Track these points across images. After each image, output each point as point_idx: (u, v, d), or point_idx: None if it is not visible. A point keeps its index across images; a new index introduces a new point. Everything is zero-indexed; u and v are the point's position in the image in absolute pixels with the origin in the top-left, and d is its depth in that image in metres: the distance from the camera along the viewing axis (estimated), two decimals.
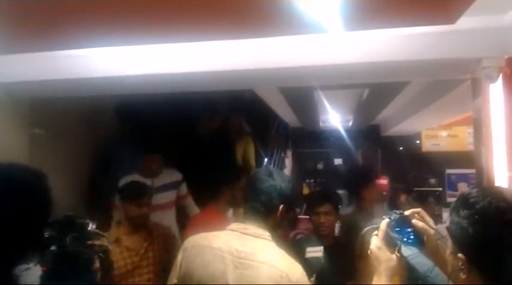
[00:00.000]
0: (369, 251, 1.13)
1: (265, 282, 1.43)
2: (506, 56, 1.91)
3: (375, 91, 4.57)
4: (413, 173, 7.51)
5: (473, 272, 0.96)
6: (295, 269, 1.49)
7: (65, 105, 3.07)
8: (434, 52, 2.01)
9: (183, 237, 2.35)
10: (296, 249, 2.11)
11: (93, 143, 3.51)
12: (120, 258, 2.35)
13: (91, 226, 1.12)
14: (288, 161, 8.08)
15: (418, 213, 1.16)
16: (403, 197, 4.73)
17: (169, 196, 3.19)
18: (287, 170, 7.75)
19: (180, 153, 3.67)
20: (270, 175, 1.64)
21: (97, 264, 1.06)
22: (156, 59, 2.31)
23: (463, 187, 6.48)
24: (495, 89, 1.95)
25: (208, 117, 3.78)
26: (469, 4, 1.63)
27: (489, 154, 1.97)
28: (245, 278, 1.45)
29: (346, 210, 3.27)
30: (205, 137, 3.75)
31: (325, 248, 2.41)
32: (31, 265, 1.00)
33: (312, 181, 8.26)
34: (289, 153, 8.27)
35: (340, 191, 6.09)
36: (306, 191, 8.06)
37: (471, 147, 6.20)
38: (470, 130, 6.42)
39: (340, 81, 2.92)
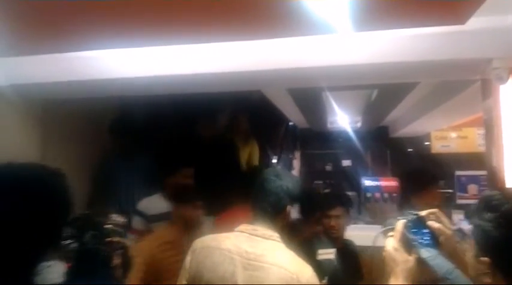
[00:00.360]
0: (384, 252, 1.12)
1: (275, 284, 1.43)
2: None
3: (383, 92, 4.54)
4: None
5: (497, 275, 0.95)
6: (305, 271, 1.49)
7: (77, 107, 3.11)
8: (444, 53, 2.00)
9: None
10: (307, 250, 2.11)
11: (104, 145, 3.54)
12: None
13: (118, 220, 1.14)
14: (296, 163, 8.06)
15: (434, 214, 1.15)
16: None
17: None
18: (295, 172, 7.73)
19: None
20: (278, 175, 1.64)
21: (117, 260, 1.08)
22: (165, 61, 2.33)
23: (473, 189, 6.40)
24: (505, 90, 1.94)
25: (212, 120, 3.70)
26: (479, 4, 1.62)
27: (500, 155, 1.95)
28: (255, 279, 1.45)
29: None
30: (210, 144, 3.61)
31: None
32: (52, 263, 1.03)
33: (320, 182, 8.22)
34: (297, 154, 8.25)
35: (349, 193, 6.06)
36: None
37: (481, 148, 6.15)
38: (481, 131, 6.35)
39: (348, 81, 2.91)
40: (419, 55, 2.03)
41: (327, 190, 5.96)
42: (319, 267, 1.76)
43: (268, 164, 5.06)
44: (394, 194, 6.54)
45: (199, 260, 1.57)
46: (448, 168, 6.82)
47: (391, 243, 1.11)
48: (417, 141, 7.79)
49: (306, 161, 8.48)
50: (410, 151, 8.05)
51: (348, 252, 2.56)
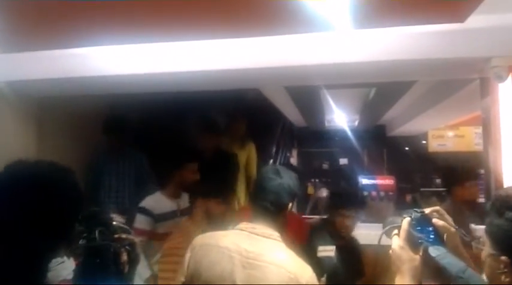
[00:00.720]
0: (390, 251, 1.11)
1: (274, 283, 1.42)
2: None
3: (381, 90, 4.55)
4: (420, 174, 7.49)
5: None
6: (304, 271, 1.48)
7: (73, 103, 3.08)
8: (443, 51, 1.99)
9: None
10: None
11: (100, 142, 3.52)
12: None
13: (118, 220, 1.15)
14: (293, 161, 8.07)
15: (437, 211, 1.14)
16: (408, 197, 4.72)
17: None
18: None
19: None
20: (278, 173, 1.62)
21: (124, 257, 1.09)
22: (161, 58, 2.31)
23: None
24: (504, 88, 1.94)
25: (211, 129, 3.44)
26: (478, 3, 1.61)
27: (498, 154, 1.95)
28: (253, 278, 1.44)
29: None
30: (211, 159, 3.37)
31: (337, 247, 2.40)
32: (65, 259, 1.04)
33: (317, 180, 8.24)
34: (294, 153, 8.26)
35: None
36: (311, 190, 8.04)
37: (478, 147, 6.17)
38: (477, 130, 6.38)
39: (347, 80, 2.90)
40: (418, 53, 2.02)
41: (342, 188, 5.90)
42: (319, 264, 1.74)
43: (265, 162, 5.05)
44: (391, 193, 6.58)
45: (198, 257, 1.56)
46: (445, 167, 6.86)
47: (396, 242, 1.10)
48: (414, 140, 7.82)
49: (303, 160, 8.50)
50: (407, 150, 8.08)
51: (351, 250, 2.54)
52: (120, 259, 1.08)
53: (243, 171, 3.67)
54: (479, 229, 2.25)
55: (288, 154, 7.52)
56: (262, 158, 4.64)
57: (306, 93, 4.58)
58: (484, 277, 1.04)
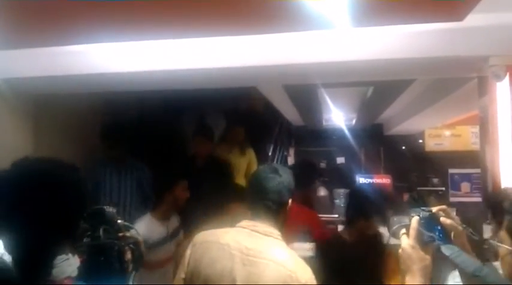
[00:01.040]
0: (400, 250, 1.10)
1: (274, 281, 1.42)
2: None
3: (379, 89, 4.55)
4: (416, 173, 7.50)
5: None
6: (304, 271, 1.48)
7: (69, 101, 3.07)
8: (441, 50, 1.99)
9: None
10: None
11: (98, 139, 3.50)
12: None
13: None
14: (291, 160, 8.07)
15: (443, 210, 1.13)
16: (405, 196, 4.71)
17: (173, 246, 2.63)
18: None
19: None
20: (277, 172, 1.63)
21: (128, 255, 1.09)
22: (158, 56, 2.30)
23: (465, 187, 6.46)
24: (502, 87, 1.94)
25: (206, 135, 3.37)
26: (477, 2, 1.61)
27: (495, 153, 1.96)
28: (253, 276, 1.44)
29: None
30: (204, 167, 3.30)
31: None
32: (69, 256, 1.05)
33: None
34: (291, 152, 8.26)
35: (342, 190, 6.07)
36: None
37: (474, 147, 6.20)
38: (474, 129, 6.40)
39: (345, 78, 2.91)
40: (417, 52, 2.02)
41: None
42: None
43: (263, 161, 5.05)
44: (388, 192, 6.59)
45: (198, 254, 1.56)
46: (442, 166, 6.87)
47: (406, 241, 1.09)
48: (411, 139, 7.83)
49: (300, 158, 8.49)
50: (404, 149, 8.09)
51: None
52: (124, 257, 1.09)
53: (243, 177, 3.62)
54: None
55: (286, 153, 7.52)
56: (260, 158, 4.65)
57: (304, 92, 4.58)
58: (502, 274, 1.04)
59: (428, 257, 1.06)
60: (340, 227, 3.10)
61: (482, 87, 2.09)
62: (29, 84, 2.61)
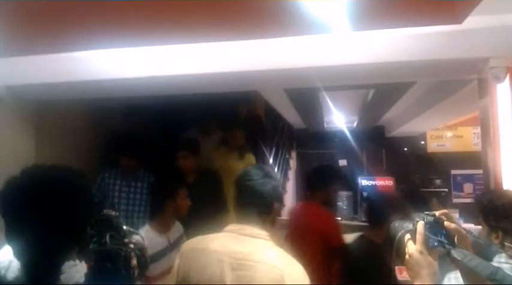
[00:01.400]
0: (407, 256, 1.09)
1: (266, 282, 1.41)
2: None
3: (380, 92, 4.56)
4: (419, 174, 7.49)
5: None
6: (294, 268, 1.47)
7: (71, 107, 3.08)
8: (441, 52, 2.00)
9: None
10: None
11: (99, 146, 3.51)
12: None
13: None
14: (293, 163, 8.07)
15: (445, 214, 1.13)
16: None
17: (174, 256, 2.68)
18: (292, 172, 7.74)
19: None
20: (263, 173, 1.62)
21: (134, 261, 1.10)
22: (161, 61, 2.31)
23: (468, 188, 6.45)
24: (502, 89, 1.94)
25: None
26: (476, 4, 1.61)
27: (496, 154, 1.96)
28: (243, 279, 1.43)
29: None
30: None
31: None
32: (77, 262, 1.06)
33: None
34: (293, 154, 8.27)
35: (345, 193, 6.06)
36: None
37: (476, 148, 6.19)
38: (476, 130, 6.41)
39: (346, 82, 2.91)
40: (417, 55, 2.03)
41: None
42: None
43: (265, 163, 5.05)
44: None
45: (187, 262, 1.54)
46: (444, 167, 6.87)
47: (413, 247, 1.07)
48: (413, 141, 7.83)
49: (302, 161, 8.50)
50: (405, 151, 8.09)
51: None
52: (130, 263, 1.09)
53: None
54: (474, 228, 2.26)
55: (288, 156, 7.52)
56: (261, 162, 4.65)
57: (305, 95, 4.59)
58: None
59: (435, 262, 1.05)
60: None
61: (483, 89, 2.09)
62: (30, 90, 2.62)
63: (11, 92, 2.61)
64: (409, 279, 1.08)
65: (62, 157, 3.04)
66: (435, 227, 1.09)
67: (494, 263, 1.50)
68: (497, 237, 1.67)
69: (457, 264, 1.04)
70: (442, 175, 6.97)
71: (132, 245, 1.13)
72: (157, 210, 2.52)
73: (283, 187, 6.08)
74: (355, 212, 5.37)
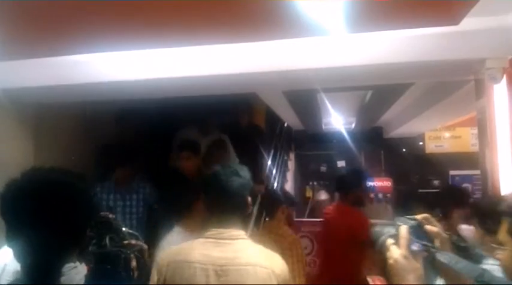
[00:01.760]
0: (391, 261, 1.07)
1: (254, 283, 1.42)
2: (510, 57, 1.91)
3: (377, 93, 4.57)
4: (417, 175, 7.50)
5: None
6: (277, 262, 1.50)
7: (70, 111, 3.08)
8: (438, 53, 2.01)
9: None
10: None
11: (98, 149, 3.50)
12: None
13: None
14: (291, 164, 8.07)
15: (427, 218, 1.13)
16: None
17: None
18: (290, 173, 7.74)
19: None
20: (236, 173, 1.59)
21: (134, 263, 1.10)
22: (159, 64, 2.32)
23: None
24: (499, 90, 1.96)
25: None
26: (473, 5, 1.63)
27: (493, 155, 1.97)
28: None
29: None
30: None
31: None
32: (77, 264, 1.05)
33: (315, 183, 8.24)
34: (292, 156, 8.27)
35: None
36: (309, 193, 8.04)
37: (474, 148, 6.20)
38: (474, 131, 6.41)
39: (344, 83, 2.92)
40: (414, 56, 2.04)
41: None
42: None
43: (263, 166, 5.06)
44: (388, 195, 6.58)
45: (168, 277, 1.47)
46: (442, 168, 6.88)
47: (398, 251, 1.05)
48: (411, 141, 7.84)
49: (300, 163, 8.50)
50: (404, 151, 8.10)
51: None
52: (130, 265, 1.09)
53: None
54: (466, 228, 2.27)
55: (286, 157, 7.52)
56: (261, 162, 4.66)
57: (303, 97, 4.60)
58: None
59: (419, 266, 1.04)
60: None
61: (480, 89, 2.11)
62: (29, 93, 2.62)
63: (9, 95, 2.61)
64: None
65: (61, 159, 3.04)
66: (418, 231, 1.09)
67: (484, 266, 1.51)
68: (485, 239, 1.69)
69: (443, 268, 1.04)
70: (441, 175, 6.98)
71: (131, 247, 1.13)
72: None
73: (282, 189, 6.08)
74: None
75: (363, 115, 6.38)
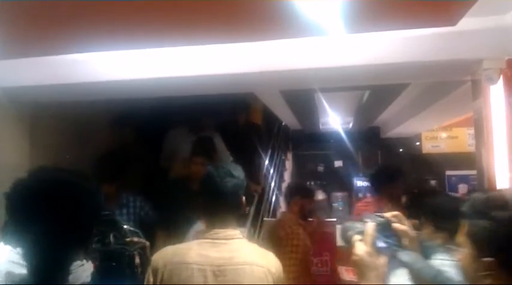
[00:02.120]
0: (354, 257, 1.07)
1: (251, 282, 1.44)
2: (507, 57, 1.92)
3: (375, 93, 4.58)
4: (414, 175, 7.52)
5: (503, 275, 0.94)
6: (271, 261, 1.53)
7: (66, 110, 3.07)
8: (436, 54, 2.02)
9: None
10: None
11: (94, 148, 3.49)
12: None
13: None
14: (289, 164, 8.08)
15: (397, 216, 1.13)
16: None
17: None
18: (288, 173, 7.75)
19: None
20: (230, 174, 1.59)
21: (137, 259, 1.12)
22: (157, 63, 2.31)
23: (463, 189, 6.49)
24: (496, 90, 1.96)
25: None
26: (470, 6, 1.63)
27: (490, 155, 1.98)
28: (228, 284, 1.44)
29: None
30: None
31: None
32: (84, 262, 1.07)
33: (312, 183, 8.26)
34: (289, 155, 8.28)
35: (338, 193, 6.06)
36: None
37: (471, 148, 6.23)
38: (470, 131, 6.44)
39: (341, 83, 2.93)
40: (411, 56, 2.05)
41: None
42: None
43: (261, 166, 5.06)
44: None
45: (165, 279, 1.45)
46: (439, 168, 6.90)
47: (362, 248, 1.06)
48: (408, 141, 7.86)
49: (298, 162, 8.51)
50: (401, 151, 8.12)
51: None
52: (134, 262, 1.11)
53: None
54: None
55: (283, 157, 7.53)
56: (259, 161, 4.66)
57: (301, 97, 4.60)
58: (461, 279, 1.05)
59: (384, 263, 1.04)
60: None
61: (476, 90, 2.11)
62: (25, 92, 2.61)
63: (5, 94, 2.60)
64: (356, 280, 1.08)
65: (57, 159, 3.03)
66: (385, 228, 1.09)
67: (437, 261, 1.53)
68: (440, 237, 1.75)
69: (405, 266, 1.04)
70: (437, 175, 7.01)
71: (134, 244, 1.14)
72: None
73: (279, 188, 6.09)
74: (350, 213, 5.38)
75: (360, 115, 6.39)
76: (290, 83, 2.69)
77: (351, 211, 5.52)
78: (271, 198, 5.55)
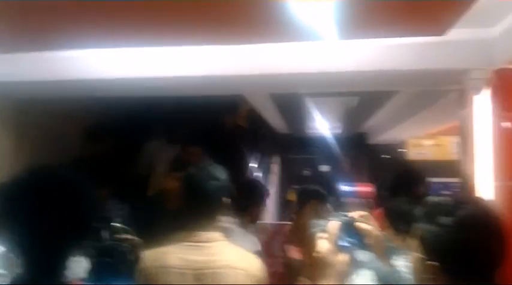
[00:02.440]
0: (316, 254, 1.08)
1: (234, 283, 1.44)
2: (494, 68, 1.96)
3: (363, 99, 4.63)
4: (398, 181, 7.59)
5: (444, 279, 0.95)
6: (253, 263, 1.53)
7: (51, 106, 3.02)
8: (424, 62, 2.05)
9: None
10: None
11: (79, 146, 3.44)
12: None
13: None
14: (276, 168, 8.09)
15: (363, 216, 1.14)
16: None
17: None
18: (274, 176, 7.76)
19: None
20: (212, 177, 1.57)
21: (130, 256, 1.12)
22: (147, 62, 2.30)
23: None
24: (482, 100, 2.00)
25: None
26: (459, 17, 1.67)
27: (472, 164, 2.01)
28: None
29: None
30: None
31: None
32: (80, 257, 1.07)
33: (298, 187, 8.27)
34: (276, 159, 8.29)
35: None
36: (292, 197, 8.05)
37: (456, 156, 6.33)
38: (455, 139, 6.54)
39: (330, 88, 2.95)
40: (400, 64, 2.08)
41: None
42: None
43: (247, 168, 5.05)
44: (370, 200, 6.66)
45: (146, 283, 1.42)
46: (423, 175, 6.99)
47: (324, 246, 1.07)
48: (394, 148, 7.95)
49: (284, 166, 8.52)
50: (387, 158, 8.20)
51: None
52: (127, 258, 1.12)
53: None
54: None
55: (270, 161, 7.54)
56: (247, 164, 4.65)
57: (290, 101, 4.62)
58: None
59: (345, 262, 1.06)
60: None
61: (463, 99, 2.15)
62: (10, 88, 2.56)
63: None
64: (300, 259, 1.09)
65: (42, 155, 2.98)
66: (349, 227, 1.11)
67: (396, 261, 1.55)
68: (400, 240, 1.74)
69: (362, 266, 1.06)
70: (422, 182, 7.08)
71: (126, 241, 1.15)
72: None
73: (267, 191, 6.09)
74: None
75: (348, 121, 6.45)
76: (280, 87, 2.70)
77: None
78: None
